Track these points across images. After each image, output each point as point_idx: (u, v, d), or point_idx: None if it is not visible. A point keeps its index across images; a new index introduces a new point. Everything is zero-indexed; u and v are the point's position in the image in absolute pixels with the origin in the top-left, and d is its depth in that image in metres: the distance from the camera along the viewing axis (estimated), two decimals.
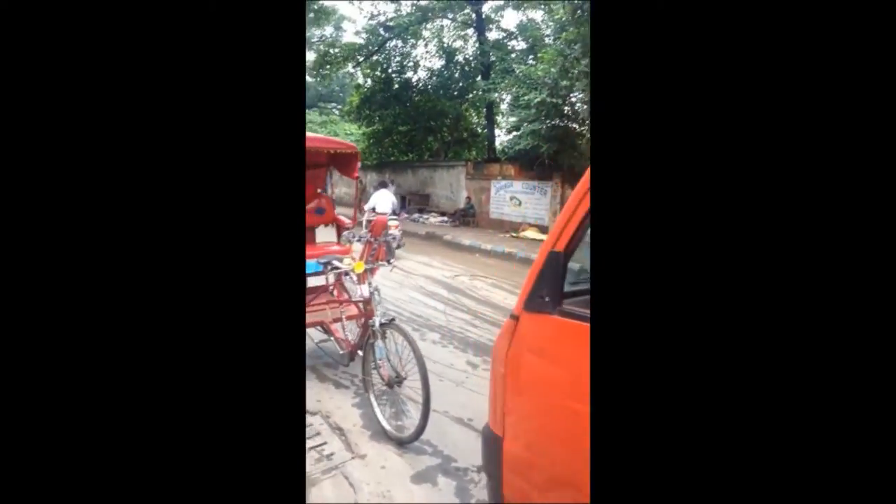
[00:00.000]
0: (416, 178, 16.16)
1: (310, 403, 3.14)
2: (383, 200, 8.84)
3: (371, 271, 2.85)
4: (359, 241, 2.82)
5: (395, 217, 8.49)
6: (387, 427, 2.72)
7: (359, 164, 3.67)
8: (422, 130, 16.87)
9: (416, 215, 14.62)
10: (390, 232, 2.89)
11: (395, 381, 2.69)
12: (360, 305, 2.95)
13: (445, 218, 13.88)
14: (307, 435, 2.77)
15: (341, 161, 3.80)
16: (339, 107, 26.18)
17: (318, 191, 4.09)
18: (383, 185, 9.59)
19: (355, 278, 3.54)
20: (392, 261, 2.91)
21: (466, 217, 13.31)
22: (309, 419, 2.95)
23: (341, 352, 3.22)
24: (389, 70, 16.66)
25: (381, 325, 2.70)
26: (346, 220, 3.96)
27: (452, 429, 2.85)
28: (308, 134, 4.22)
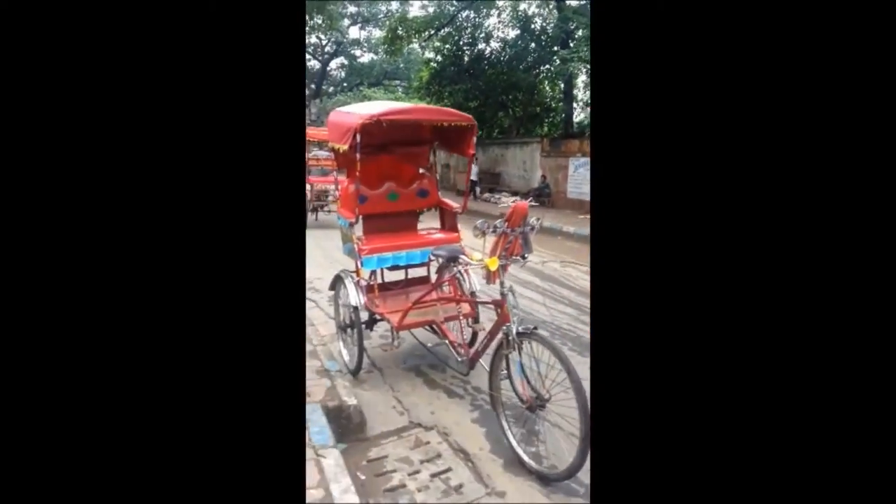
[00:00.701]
0: (486, 156, 15.52)
1: (422, 414, 2.75)
2: None
3: (503, 268, 2.36)
4: (493, 231, 2.32)
5: None
6: (525, 458, 2.26)
7: (475, 139, 3.16)
8: (493, 106, 16.14)
9: (486, 195, 14.07)
10: (529, 221, 2.37)
11: (538, 405, 2.22)
12: (493, 307, 2.48)
13: (518, 198, 13.26)
14: (427, 457, 2.38)
15: (452, 135, 3.28)
16: (404, 83, 25.77)
17: (421, 171, 3.63)
18: None
19: (470, 275, 3.10)
20: (527, 256, 2.41)
21: (541, 197, 12.56)
22: (425, 435, 2.56)
23: (459, 359, 2.78)
24: (461, 42, 15.97)
25: (520, 334, 2.22)
26: (454, 205, 3.48)
27: None
28: (409, 105, 3.73)
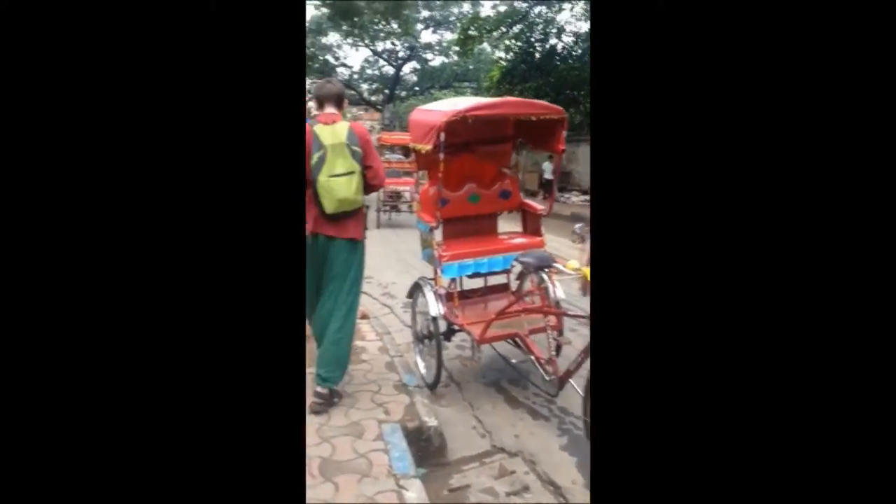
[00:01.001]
0: None
1: (506, 438, 2.52)
2: None
3: None
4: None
5: None
6: None
7: (564, 134, 2.88)
8: (563, 102, 15.59)
9: (556, 194, 13.57)
10: None
11: None
12: (587, 322, 2.20)
13: (588, 197, 12.66)
14: (513, 489, 2.15)
15: (540, 130, 3.01)
16: (473, 85, 25.62)
17: (503, 170, 3.40)
18: None
19: (555, 283, 2.84)
20: None
21: None
22: (510, 463, 2.33)
23: (546, 378, 2.53)
24: (532, 39, 15.58)
25: None
26: (539, 207, 3.22)
27: None
28: (495, 99, 3.48)
